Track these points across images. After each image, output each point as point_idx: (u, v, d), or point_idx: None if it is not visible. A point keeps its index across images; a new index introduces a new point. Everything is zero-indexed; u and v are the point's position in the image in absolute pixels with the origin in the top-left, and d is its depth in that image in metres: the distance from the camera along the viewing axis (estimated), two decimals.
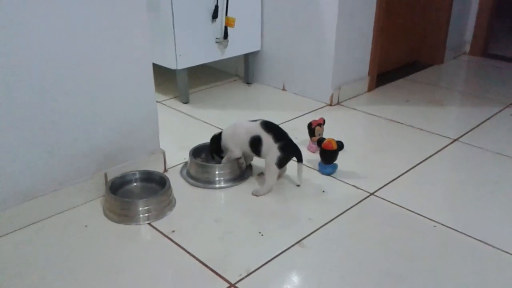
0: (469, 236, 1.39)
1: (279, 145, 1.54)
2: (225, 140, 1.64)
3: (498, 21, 3.35)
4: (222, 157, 1.67)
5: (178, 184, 1.63)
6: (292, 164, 1.61)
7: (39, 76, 1.33)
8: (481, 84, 2.79)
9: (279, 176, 1.64)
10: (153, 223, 1.44)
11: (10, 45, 1.25)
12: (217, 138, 1.66)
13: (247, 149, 1.61)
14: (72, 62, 1.38)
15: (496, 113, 2.29)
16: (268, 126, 1.58)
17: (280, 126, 1.62)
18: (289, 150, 1.56)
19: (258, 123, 1.59)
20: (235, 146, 1.62)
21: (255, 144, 1.57)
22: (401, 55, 2.99)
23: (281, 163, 1.56)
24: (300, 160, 1.58)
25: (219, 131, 1.69)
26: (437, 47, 3.07)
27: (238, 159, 1.66)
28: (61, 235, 1.38)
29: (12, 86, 1.29)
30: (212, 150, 1.69)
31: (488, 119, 2.23)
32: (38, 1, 1.27)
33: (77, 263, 1.27)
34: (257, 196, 1.58)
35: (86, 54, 1.41)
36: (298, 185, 1.63)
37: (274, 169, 1.56)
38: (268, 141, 1.55)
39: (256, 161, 1.73)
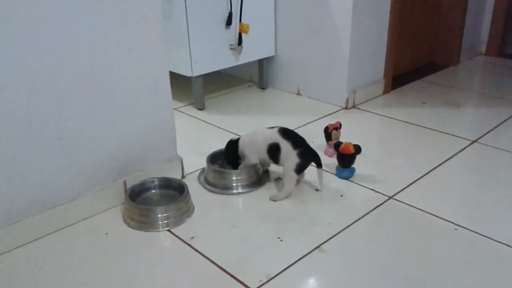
0: (491, 238, 1.37)
1: (297, 151, 1.54)
2: (243, 147, 1.64)
3: None
4: (238, 164, 1.68)
5: (196, 190, 1.64)
6: (311, 169, 1.61)
7: (57, 87, 1.35)
8: (498, 84, 2.76)
9: (298, 182, 1.64)
10: (172, 230, 1.45)
11: (27, 56, 1.27)
12: (234, 145, 1.66)
13: (265, 156, 1.61)
14: (89, 72, 1.40)
15: None
16: (286, 133, 1.58)
17: (296, 130, 1.62)
18: (307, 156, 1.56)
19: (276, 130, 1.59)
20: (252, 153, 1.63)
21: (273, 151, 1.57)
22: (416, 56, 2.97)
23: (300, 169, 1.55)
24: (319, 165, 1.57)
25: (236, 137, 1.70)
26: (452, 48, 3.04)
27: (254, 165, 1.66)
28: (82, 243, 1.40)
29: (30, 97, 1.31)
30: (228, 157, 1.69)
31: (507, 120, 2.20)
32: (54, 12, 1.29)
33: (98, 270, 1.29)
34: (275, 201, 1.58)
35: (103, 63, 1.42)
36: (317, 190, 1.63)
37: (293, 175, 1.56)
38: (286, 148, 1.55)
39: (274, 166, 1.73)
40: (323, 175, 1.60)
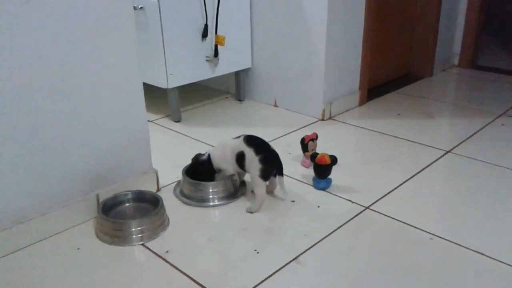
0: (466, 247, 1.38)
1: (259, 157, 1.53)
2: (217, 163, 1.63)
3: (485, 32, 3.39)
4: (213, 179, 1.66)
5: (171, 203, 1.61)
6: (288, 180, 1.60)
7: (28, 98, 1.32)
8: (471, 95, 2.81)
9: (271, 192, 1.64)
10: (146, 244, 1.41)
11: None
12: (207, 164, 1.64)
13: (236, 166, 1.61)
14: (60, 83, 1.37)
15: (488, 124, 2.30)
16: (250, 140, 1.58)
17: (273, 142, 1.62)
18: (269, 161, 1.55)
19: (241, 139, 1.60)
20: (227, 165, 1.62)
21: (240, 160, 1.58)
22: (391, 69, 3.01)
23: (264, 175, 1.54)
24: (279, 173, 1.56)
25: (201, 158, 1.66)
26: (426, 60, 3.10)
27: (232, 175, 1.65)
28: (53, 259, 1.35)
29: (0, 109, 1.27)
30: (207, 177, 1.65)
31: (480, 130, 2.24)
32: (25, 25, 1.26)
33: (70, 286, 1.25)
34: (252, 213, 1.56)
35: (76, 75, 1.40)
36: (293, 201, 1.62)
37: (260, 182, 1.55)
38: (250, 154, 1.55)
39: (249, 178, 1.72)
40: (284, 182, 1.58)
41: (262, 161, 1.53)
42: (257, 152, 1.54)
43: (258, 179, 1.54)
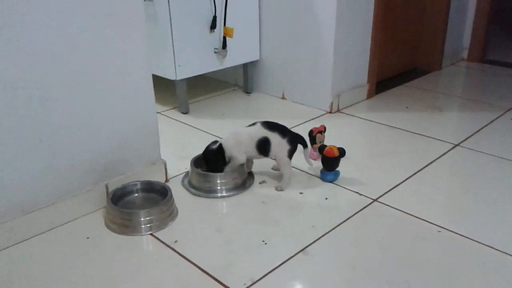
0: (474, 240, 1.38)
1: (287, 139, 1.62)
2: (230, 150, 1.64)
3: (495, 27, 3.36)
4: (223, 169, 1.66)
5: (179, 194, 1.62)
6: (295, 172, 1.60)
7: (38, 88, 1.32)
8: (480, 89, 2.80)
9: (249, 167, 1.75)
10: (155, 234, 1.42)
11: (7, 56, 1.25)
12: (219, 152, 1.64)
13: (254, 153, 1.64)
14: (71, 73, 1.38)
15: (496, 118, 2.29)
16: (270, 126, 1.64)
17: None
18: (296, 140, 1.64)
19: (258, 125, 1.64)
20: (240, 154, 1.63)
21: (264, 145, 1.62)
22: (400, 62, 3.00)
23: (291, 154, 1.64)
24: (305, 146, 1.67)
25: (212, 146, 1.66)
26: (435, 54, 3.08)
27: (242, 165, 1.67)
28: (62, 247, 1.37)
29: (10, 98, 1.28)
30: (218, 166, 1.66)
31: (489, 124, 2.23)
32: (35, 12, 1.27)
33: (79, 275, 1.26)
34: (283, 190, 1.65)
35: (86, 65, 1.40)
36: (301, 194, 1.63)
37: (288, 161, 1.64)
38: (276, 139, 1.61)
39: (257, 169, 1.73)
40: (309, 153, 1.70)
41: (290, 142, 1.62)
42: (283, 135, 1.62)
43: (287, 159, 1.62)
